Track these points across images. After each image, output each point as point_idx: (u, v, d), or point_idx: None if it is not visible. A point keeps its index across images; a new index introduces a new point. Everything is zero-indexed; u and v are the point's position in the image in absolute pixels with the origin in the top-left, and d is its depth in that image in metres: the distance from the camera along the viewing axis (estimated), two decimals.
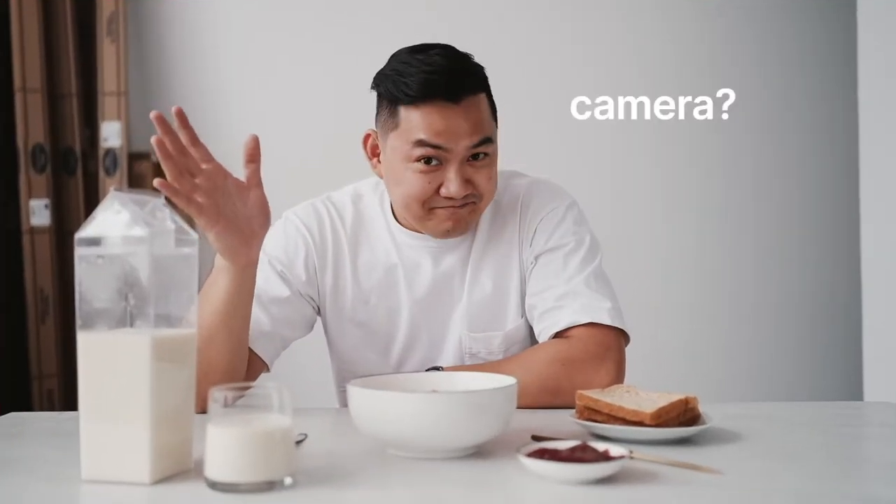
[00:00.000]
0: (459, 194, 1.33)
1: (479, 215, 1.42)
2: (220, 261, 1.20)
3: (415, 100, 1.31)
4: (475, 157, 1.34)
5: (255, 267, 1.23)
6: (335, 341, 1.49)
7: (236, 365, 1.27)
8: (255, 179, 1.16)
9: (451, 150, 1.32)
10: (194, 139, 1.10)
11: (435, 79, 1.30)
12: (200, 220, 1.11)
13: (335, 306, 1.46)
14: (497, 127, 1.41)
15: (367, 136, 1.43)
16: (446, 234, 1.39)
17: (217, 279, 1.21)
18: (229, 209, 1.14)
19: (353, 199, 1.49)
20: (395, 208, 1.45)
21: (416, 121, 1.32)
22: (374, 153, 1.43)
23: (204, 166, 1.11)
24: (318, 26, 2.77)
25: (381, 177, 1.43)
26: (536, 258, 1.43)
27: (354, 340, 1.46)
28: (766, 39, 2.86)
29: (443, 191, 1.34)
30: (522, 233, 1.45)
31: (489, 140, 1.35)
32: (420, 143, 1.32)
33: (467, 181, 1.34)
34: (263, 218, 1.18)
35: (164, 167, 1.08)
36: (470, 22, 2.79)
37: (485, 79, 1.38)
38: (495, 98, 1.41)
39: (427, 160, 1.33)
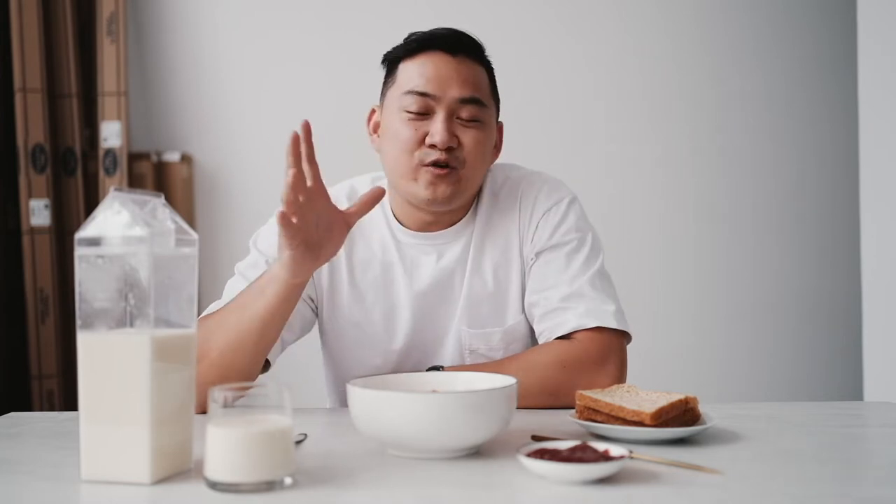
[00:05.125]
0: (444, 142, 1.33)
1: (466, 188, 1.38)
2: (272, 272, 1.21)
3: (414, 52, 1.38)
4: (468, 119, 1.36)
5: (306, 284, 1.24)
6: (331, 342, 1.47)
7: (255, 371, 1.28)
8: (355, 218, 1.21)
9: (438, 97, 1.35)
10: (312, 156, 1.13)
11: (437, 33, 1.40)
12: (286, 233, 1.13)
13: (332, 305, 1.44)
14: (497, 115, 1.44)
15: (372, 112, 1.46)
16: (430, 202, 1.36)
17: (265, 289, 1.21)
18: (311, 229, 1.16)
19: (347, 194, 1.47)
20: (388, 176, 1.42)
21: (411, 70, 1.37)
22: (375, 129, 1.45)
23: (309, 184, 1.13)
24: (318, 26, 2.77)
25: (378, 151, 1.43)
26: (538, 255, 1.42)
27: (350, 340, 1.45)
28: (767, 39, 2.86)
29: (428, 139, 1.34)
30: (523, 227, 1.44)
31: (481, 102, 1.37)
32: (411, 91, 1.35)
33: (453, 135, 1.35)
34: (334, 248, 1.20)
35: (291, 172, 1.09)
36: (469, 22, 2.76)
37: (488, 62, 1.43)
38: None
39: (418, 111, 1.35)
